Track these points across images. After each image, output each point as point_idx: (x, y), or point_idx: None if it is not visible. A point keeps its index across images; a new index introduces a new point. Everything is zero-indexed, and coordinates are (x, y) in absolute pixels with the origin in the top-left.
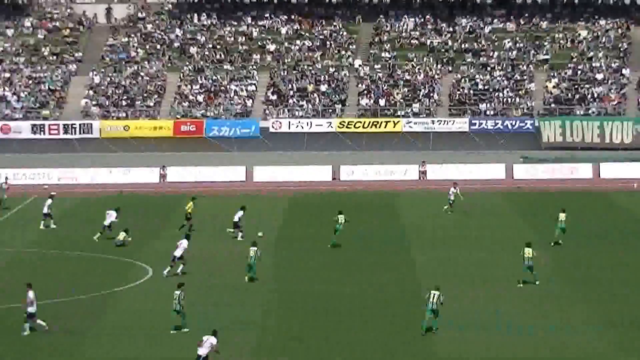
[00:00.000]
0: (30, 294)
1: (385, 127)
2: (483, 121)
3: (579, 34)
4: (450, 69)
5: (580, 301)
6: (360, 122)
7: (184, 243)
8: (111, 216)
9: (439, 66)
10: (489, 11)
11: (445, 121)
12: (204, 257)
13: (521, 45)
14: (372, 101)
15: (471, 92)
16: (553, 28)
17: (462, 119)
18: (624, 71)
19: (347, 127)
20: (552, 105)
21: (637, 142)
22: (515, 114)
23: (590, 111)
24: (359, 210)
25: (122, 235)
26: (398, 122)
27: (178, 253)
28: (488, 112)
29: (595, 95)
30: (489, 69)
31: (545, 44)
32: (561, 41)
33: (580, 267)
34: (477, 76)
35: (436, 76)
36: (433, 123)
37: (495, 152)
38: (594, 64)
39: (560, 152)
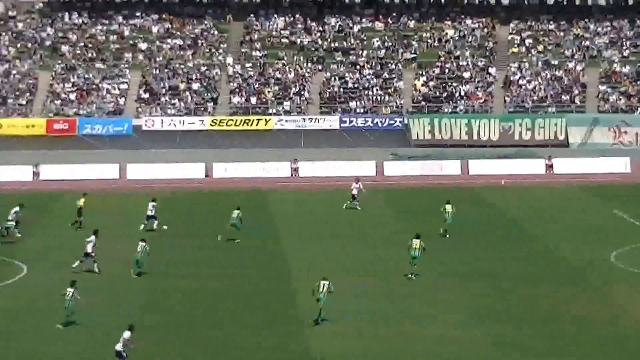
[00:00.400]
0: None
1: (257, 125)
2: (353, 119)
3: (446, 33)
4: (320, 67)
5: (454, 294)
6: (233, 120)
7: (92, 239)
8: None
9: (309, 65)
10: (357, 11)
11: (316, 119)
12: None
13: (389, 44)
14: (243, 99)
15: (341, 90)
16: (420, 27)
17: (333, 117)
18: (490, 70)
19: (219, 125)
20: (421, 103)
21: (504, 139)
22: (385, 112)
23: (458, 109)
24: (231, 207)
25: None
26: (269, 120)
27: (89, 249)
28: (358, 110)
29: (463, 93)
30: (358, 67)
31: (413, 43)
32: (428, 40)
33: (453, 260)
34: (346, 75)
35: (306, 74)
36: (304, 121)
37: (365, 149)
38: (461, 63)
39: (429, 149)
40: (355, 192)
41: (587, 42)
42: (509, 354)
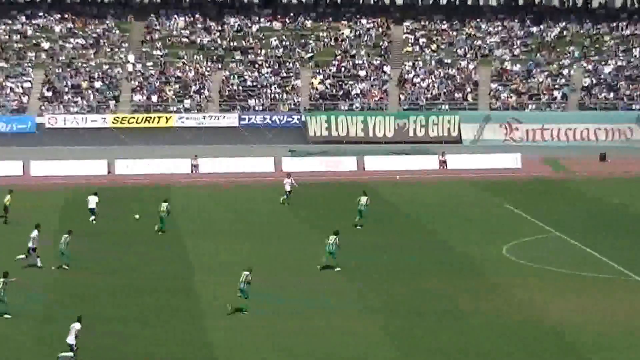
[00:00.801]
0: None
1: (158, 122)
2: (252, 116)
3: (342, 33)
4: (219, 66)
5: (351, 287)
6: (134, 117)
7: (34, 234)
8: None
9: (209, 63)
10: (256, 11)
11: (215, 116)
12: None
13: (287, 43)
14: (145, 97)
15: (240, 88)
16: (317, 27)
17: (232, 114)
18: (385, 68)
19: (121, 122)
20: (318, 100)
21: (398, 136)
22: (283, 109)
23: (354, 106)
24: (134, 203)
25: None
26: (170, 117)
27: (32, 244)
28: (257, 108)
29: (359, 91)
30: (257, 66)
31: (310, 42)
32: (325, 39)
33: (353, 253)
34: (245, 73)
35: (206, 73)
36: (204, 118)
37: (264, 146)
38: (356, 62)
39: (326, 145)
40: (288, 187)
41: (479, 42)
42: (406, 347)
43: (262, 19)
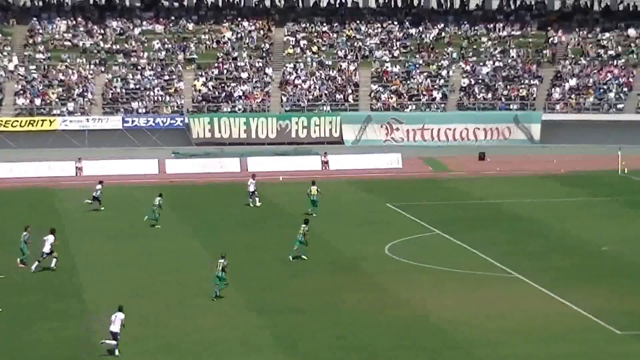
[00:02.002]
0: None
1: (41, 125)
2: (136, 119)
3: (224, 35)
4: (102, 69)
5: (236, 286)
6: (17, 121)
7: (50, 238)
8: None
9: (91, 66)
10: (137, 14)
11: (99, 119)
12: None
13: (169, 46)
14: (28, 101)
15: (123, 91)
16: (199, 29)
17: (116, 117)
18: (267, 70)
19: (4, 126)
20: (201, 102)
21: (281, 137)
22: (166, 112)
23: (236, 108)
24: (16, 206)
25: None
26: (54, 120)
27: (46, 249)
28: (140, 110)
29: (241, 93)
30: (139, 68)
31: (192, 44)
32: (207, 42)
33: (238, 252)
34: (128, 76)
35: (89, 76)
36: (88, 121)
37: (148, 148)
38: (239, 64)
39: (210, 147)
40: (252, 188)
41: (359, 43)
42: (286, 343)
43: (144, 22)
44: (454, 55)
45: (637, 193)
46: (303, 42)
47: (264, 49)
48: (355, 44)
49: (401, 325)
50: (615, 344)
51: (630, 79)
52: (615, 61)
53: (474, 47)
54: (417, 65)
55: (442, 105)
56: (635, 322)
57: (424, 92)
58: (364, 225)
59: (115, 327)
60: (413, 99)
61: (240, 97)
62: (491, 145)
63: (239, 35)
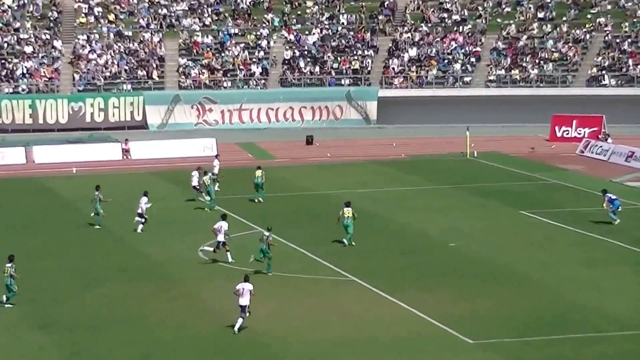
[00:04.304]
0: None
1: None
2: None
3: (3, 3)
4: None
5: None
6: None
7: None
8: None
9: None
10: None
11: None
12: None
13: None
14: None
15: None
16: None
17: None
18: (55, 43)
19: None
20: None
21: (73, 122)
22: None
23: (20, 89)
24: None
25: None
26: None
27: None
28: None
29: (25, 70)
30: None
31: None
32: None
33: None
34: None
35: None
36: None
37: None
38: (21, 36)
39: None
40: (195, 183)
41: (164, 10)
42: None
43: None
44: (275, 22)
45: (488, 179)
46: (97, 10)
47: (52, 18)
48: (160, 10)
49: (213, 339)
50: (467, 355)
51: (478, 48)
52: (460, 27)
53: (298, 12)
54: (232, 35)
55: (263, 81)
56: (488, 329)
57: (241, 67)
58: (174, 224)
59: (244, 300)
60: (228, 75)
61: (24, 75)
62: (320, 127)
63: (21, 2)
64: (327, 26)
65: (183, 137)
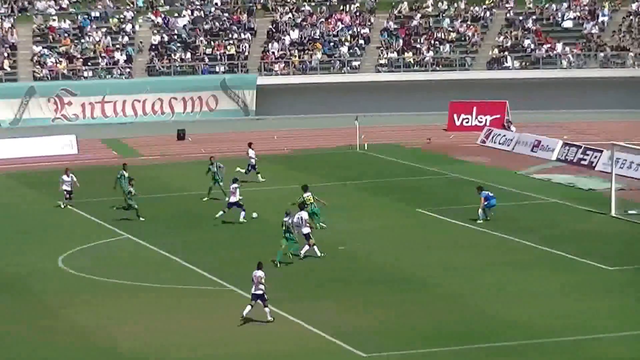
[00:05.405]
0: None
1: None
2: None
3: None
4: None
5: None
6: None
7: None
8: None
9: None
10: None
11: None
12: None
13: None
14: None
15: None
16: None
17: None
18: None
19: None
20: None
21: None
22: None
23: None
24: None
25: None
26: None
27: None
28: None
29: None
30: None
31: None
32: None
33: None
34: None
35: None
36: None
37: None
38: None
39: None
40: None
41: None
42: None
43: None
44: (140, 3)
45: (381, 174)
46: None
47: None
48: None
49: (75, 358)
50: None
51: (367, 29)
52: (347, 6)
53: None
54: (93, 19)
55: (127, 70)
56: (383, 341)
57: (103, 54)
58: (32, 232)
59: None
60: (89, 64)
61: None
62: (193, 120)
63: None
64: (198, 7)
65: (39, 134)
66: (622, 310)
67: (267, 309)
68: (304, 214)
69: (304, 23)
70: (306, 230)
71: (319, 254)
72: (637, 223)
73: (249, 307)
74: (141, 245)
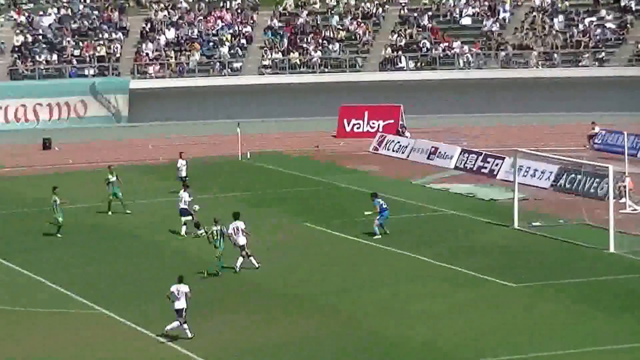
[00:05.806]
0: None
1: None
2: None
3: None
4: None
5: None
6: None
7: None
8: None
9: None
10: None
11: None
12: None
13: None
14: None
15: None
16: None
17: None
18: None
19: None
20: None
21: None
22: None
23: None
24: None
25: None
26: None
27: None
28: None
29: None
30: None
31: None
32: None
33: None
34: None
35: None
36: None
37: None
38: None
39: None
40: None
41: None
42: None
43: None
44: (1, 1)
45: (265, 185)
46: None
47: None
48: None
49: None
50: None
51: (250, 28)
52: (227, 3)
53: None
54: None
55: None
56: None
57: None
58: None
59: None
60: None
61: None
62: (60, 128)
63: None
64: (65, 5)
65: None
66: (527, 331)
67: (176, 323)
68: (240, 224)
69: (181, 21)
70: (242, 240)
71: (256, 264)
72: (542, 236)
73: (176, 323)
74: (4, 265)
